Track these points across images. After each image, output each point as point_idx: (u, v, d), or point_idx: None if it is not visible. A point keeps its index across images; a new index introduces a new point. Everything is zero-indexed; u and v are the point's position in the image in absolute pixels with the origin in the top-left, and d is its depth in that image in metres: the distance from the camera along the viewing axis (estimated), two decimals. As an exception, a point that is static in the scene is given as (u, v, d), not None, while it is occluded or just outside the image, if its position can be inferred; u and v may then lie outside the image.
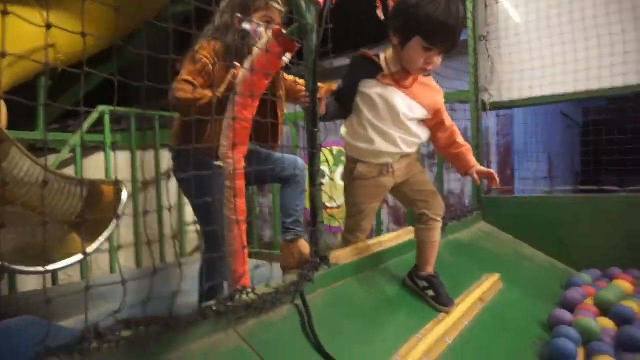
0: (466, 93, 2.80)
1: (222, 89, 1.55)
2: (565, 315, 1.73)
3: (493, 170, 1.52)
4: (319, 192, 1.33)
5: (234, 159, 1.41)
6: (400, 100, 1.44)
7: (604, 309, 1.84)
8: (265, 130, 1.59)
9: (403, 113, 1.43)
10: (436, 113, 1.53)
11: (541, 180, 5.90)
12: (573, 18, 2.66)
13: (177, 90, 1.61)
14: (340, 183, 2.25)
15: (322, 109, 1.35)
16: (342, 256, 1.46)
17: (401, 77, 1.44)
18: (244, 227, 1.40)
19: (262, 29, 1.70)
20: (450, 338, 1.38)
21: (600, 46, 2.59)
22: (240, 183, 1.41)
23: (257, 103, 1.40)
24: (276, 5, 1.78)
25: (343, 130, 1.58)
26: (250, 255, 1.61)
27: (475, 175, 1.53)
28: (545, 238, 2.59)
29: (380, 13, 1.68)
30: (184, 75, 1.65)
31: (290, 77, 1.99)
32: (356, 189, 1.55)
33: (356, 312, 1.35)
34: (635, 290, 2.06)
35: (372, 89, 1.45)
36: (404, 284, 1.60)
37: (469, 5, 2.81)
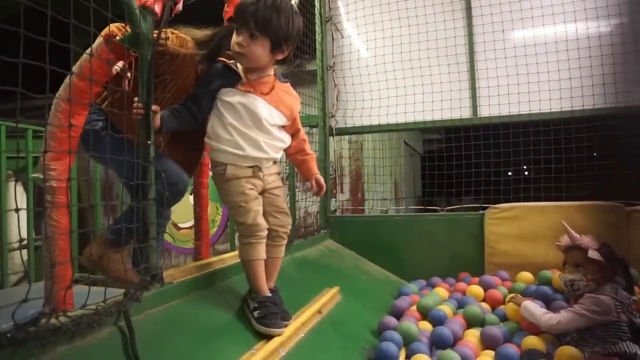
0: (315, 117, 2.99)
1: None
2: (392, 321, 1.92)
3: (324, 184, 1.66)
4: (152, 207, 1.28)
5: (56, 170, 1.29)
6: (261, 106, 1.46)
7: (425, 313, 2.09)
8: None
9: (265, 119, 1.46)
10: (294, 121, 1.59)
11: (388, 202, 6.50)
12: (411, 57, 3.06)
13: None
14: (192, 201, 2.17)
15: (156, 122, 1.31)
16: (177, 274, 1.41)
17: (258, 83, 1.47)
18: (65, 244, 1.28)
19: None
20: (285, 350, 1.43)
21: (432, 83, 3.03)
22: (63, 198, 1.29)
23: (85, 111, 1.31)
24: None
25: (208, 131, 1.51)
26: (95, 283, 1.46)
27: (314, 182, 1.65)
28: (382, 253, 2.87)
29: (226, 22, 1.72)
30: None
31: None
32: (232, 187, 1.47)
33: (189, 332, 1.31)
34: (450, 295, 2.38)
35: (233, 97, 1.45)
36: (245, 300, 1.60)
37: (318, 37, 3.03)
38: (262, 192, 1.54)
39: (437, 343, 1.81)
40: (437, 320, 1.99)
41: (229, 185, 1.47)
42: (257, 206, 1.48)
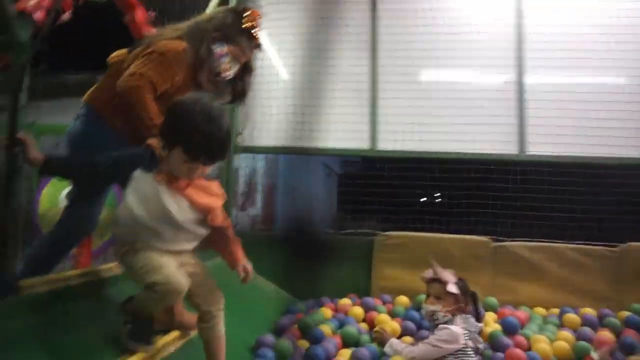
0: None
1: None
2: (267, 339, 1.99)
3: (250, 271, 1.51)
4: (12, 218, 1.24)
5: None
6: (170, 201, 1.32)
7: (305, 331, 2.18)
8: None
9: (175, 212, 1.32)
10: (212, 217, 1.39)
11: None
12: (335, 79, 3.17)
13: (139, 91, 1.52)
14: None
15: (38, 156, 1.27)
16: (37, 283, 1.36)
17: (174, 178, 1.33)
18: None
19: (225, 60, 1.77)
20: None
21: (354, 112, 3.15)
22: None
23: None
24: (249, 54, 1.87)
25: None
26: None
27: (241, 271, 1.49)
28: (277, 270, 2.92)
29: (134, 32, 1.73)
30: (151, 74, 1.54)
31: None
32: (139, 256, 1.32)
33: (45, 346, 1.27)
34: (333, 315, 2.49)
35: (144, 184, 1.33)
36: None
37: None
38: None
39: (308, 361, 1.90)
40: (315, 339, 2.08)
41: (137, 256, 1.32)
42: (172, 265, 1.32)
